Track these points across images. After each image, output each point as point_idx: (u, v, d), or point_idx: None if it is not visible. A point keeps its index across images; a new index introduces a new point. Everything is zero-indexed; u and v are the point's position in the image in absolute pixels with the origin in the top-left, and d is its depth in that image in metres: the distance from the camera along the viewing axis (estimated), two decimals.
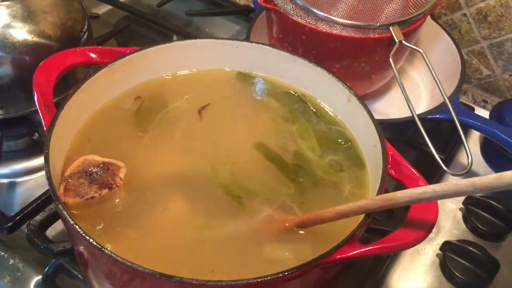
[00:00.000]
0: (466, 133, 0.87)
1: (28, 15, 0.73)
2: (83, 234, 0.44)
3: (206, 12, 1.11)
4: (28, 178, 0.77)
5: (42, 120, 0.54)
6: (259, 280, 0.42)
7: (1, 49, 0.72)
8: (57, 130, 0.53)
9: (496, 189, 0.38)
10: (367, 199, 0.47)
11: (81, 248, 0.49)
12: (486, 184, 0.39)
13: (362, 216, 0.49)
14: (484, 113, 0.85)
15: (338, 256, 0.45)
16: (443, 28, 0.89)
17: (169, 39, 0.98)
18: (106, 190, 0.52)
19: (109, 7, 1.09)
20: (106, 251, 0.43)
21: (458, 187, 0.41)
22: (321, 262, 0.44)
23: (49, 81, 0.57)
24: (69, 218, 0.45)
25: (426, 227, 0.48)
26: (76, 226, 0.45)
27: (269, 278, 0.43)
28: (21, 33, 0.73)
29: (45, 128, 0.53)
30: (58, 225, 0.68)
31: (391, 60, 0.69)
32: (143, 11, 1.08)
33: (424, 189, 0.43)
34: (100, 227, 0.51)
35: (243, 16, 1.10)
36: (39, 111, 0.54)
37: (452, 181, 0.41)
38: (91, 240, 0.44)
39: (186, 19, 1.11)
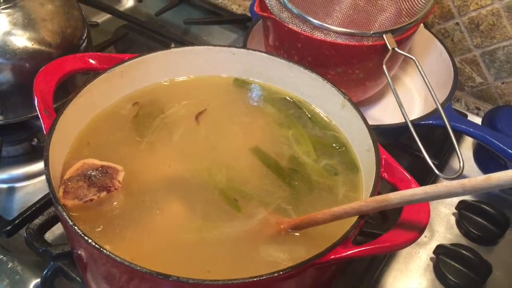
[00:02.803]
0: (459, 139, 0.88)
1: (28, 23, 0.75)
2: (82, 235, 0.45)
3: (204, 21, 1.12)
4: (26, 183, 0.78)
5: (42, 124, 0.55)
6: (254, 279, 0.43)
7: (1, 56, 0.73)
8: (57, 134, 0.54)
9: (485, 190, 0.40)
10: (360, 201, 0.48)
11: (80, 250, 0.50)
12: (475, 185, 0.40)
13: (355, 218, 0.50)
14: (477, 120, 0.87)
15: (332, 256, 0.46)
16: (436, 37, 0.91)
17: (167, 47, 0.99)
18: (104, 193, 0.53)
19: (108, 15, 1.11)
20: (105, 251, 0.44)
21: (448, 188, 0.42)
22: (315, 262, 0.45)
23: (49, 86, 0.58)
24: (68, 219, 0.46)
25: (418, 228, 0.49)
26: (75, 227, 0.46)
27: (264, 277, 0.43)
28: (22, 40, 0.74)
29: (45, 132, 0.54)
30: (56, 230, 0.69)
31: (384, 67, 0.71)
32: (142, 19, 1.09)
33: (415, 191, 0.44)
34: (99, 229, 0.51)
35: (239, 25, 1.12)
36: (40, 115, 0.55)
37: (442, 183, 0.42)
38: (90, 241, 0.45)
39: (184, 28, 1.12)
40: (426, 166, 0.68)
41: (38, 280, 0.64)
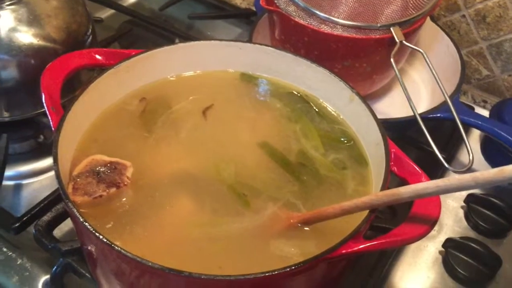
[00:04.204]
0: (466, 133, 0.88)
1: (33, 19, 0.74)
2: (93, 231, 0.45)
3: (208, 16, 1.12)
4: (33, 180, 0.78)
5: (50, 120, 0.54)
6: (267, 274, 0.43)
7: (7, 52, 0.73)
8: (65, 130, 0.54)
9: (498, 183, 0.39)
10: (371, 195, 0.48)
11: (90, 246, 0.50)
12: (488, 178, 0.40)
13: (366, 213, 0.50)
14: (484, 113, 0.86)
15: (344, 251, 0.46)
16: (443, 30, 0.90)
17: (171, 42, 0.99)
18: (114, 189, 0.53)
19: (112, 11, 1.10)
20: (116, 247, 0.44)
21: (460, 182, 0.41)
22: (327, 256, 0.45)
23: (56, 83, 0.58)
24: (79, 216, 0.46)
25: (429, 222, 0.49)
26: (86, 223, 0.45)
27: (276, 272, 0.43)
28: (27, 36, 0.74)
29: (53, 129, 0.54)
30: (65, 226, 0.69)
31: (392, 60, 0.70)
32: (146, 15, 1.09)
33: (427, 184, 0.44)
34: (110, 225, 0.51)
35: (244, 20, 1.11)
36: (47, 112, 0.55)
37: (454, 176, 0.42)
38: (101, 237, 0.44)
39: (188, 23, 1.12)
40: (433, 159, 0.68)
41: (48, 276, 0.64)
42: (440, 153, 0.68)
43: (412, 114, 0.70)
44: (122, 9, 1.09)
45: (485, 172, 0.40)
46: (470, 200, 0.75)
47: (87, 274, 0.61)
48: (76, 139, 0.59)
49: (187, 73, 0.69)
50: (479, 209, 0.74)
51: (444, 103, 0.74)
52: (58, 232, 0.68)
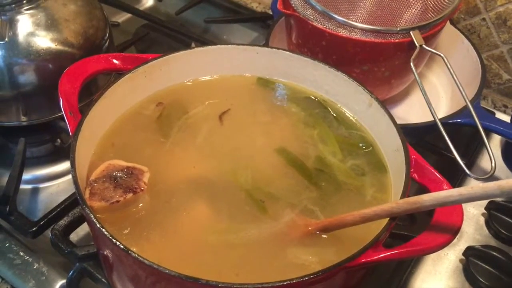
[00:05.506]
0: (486, 138, 0.86)
1: (51, 24, 0.75)
2: (110, 237, 0.45)
3: (224, 20, 1.11)
4: (50, 184, 0.78)
5: (68, 125, 0.54)
6: (284, 283, 0.42)
7: (25, 57, 0.73)
8: (82, 135, 0.54)
9: None
10: (391, 203, 0.47)
11: (107, 251, 0.50)
12: None
13: (386, 220, 0.49)
14: (505, 118, 0.84)
15: (363, 260, 0.45)
16: (463, 33, 0.88)
17: (187, 47, 0.99)
18: (130, 194, 0.52)
19: (129, 15, 1.11)
20: (133, 254, 0.44)
21: (484, 190, 0.40)
22: (346, 265, 0.44)
23: (74, 87, 0.58)
24: (96, 221, 0.46)
25: (451, 231, 0.47)
26: (103, 229, 0.45)
27: (294, 281, 0.43)
28: (45, 41, 0.74)
29: (70, 133, 0.54)
30: (81, 230, 0.69)
31: (412, 64, 0.69)
32: (162, 19, 1.09)
33: (449, 192, 0.43)
34: (127, 231, 0.51)
35: (260, 23, 1.11)
36: (65, 117, 0.55)
37: (477, 184, 0.41)
38: (118, 243, 0.44)
39: (204, 27, 1.12)
40: (452, 165, 0.67)
41: (64, 281, 0.64)
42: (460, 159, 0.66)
43: (431, 119, 0.69)
44: (138, 13, 1.09)
45: (511, 180, 0.39)
46: (491, 207, 0.73)
47: (103, 279, 0.61)
48: (93, 143, 0.59)
49: (204, 77, 0.69)
50: (501, 217, 0.72)
51: (464, 108, 0.73)
52: (74, 236, 0.68)
